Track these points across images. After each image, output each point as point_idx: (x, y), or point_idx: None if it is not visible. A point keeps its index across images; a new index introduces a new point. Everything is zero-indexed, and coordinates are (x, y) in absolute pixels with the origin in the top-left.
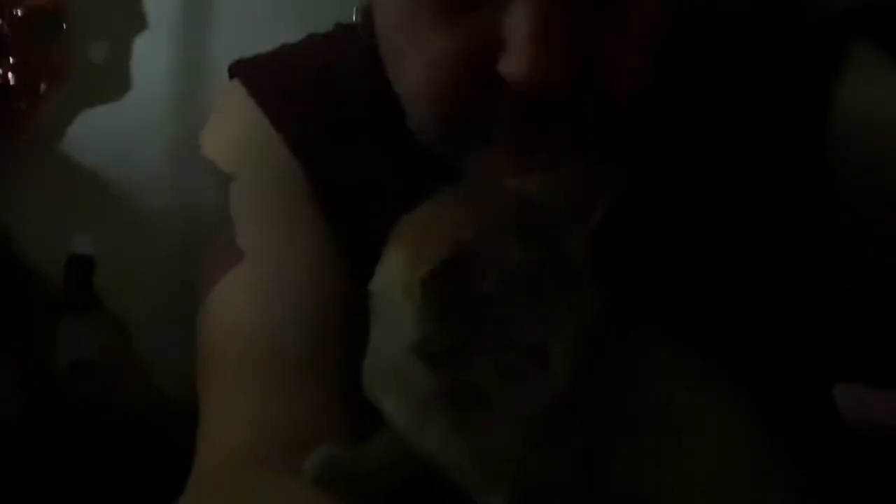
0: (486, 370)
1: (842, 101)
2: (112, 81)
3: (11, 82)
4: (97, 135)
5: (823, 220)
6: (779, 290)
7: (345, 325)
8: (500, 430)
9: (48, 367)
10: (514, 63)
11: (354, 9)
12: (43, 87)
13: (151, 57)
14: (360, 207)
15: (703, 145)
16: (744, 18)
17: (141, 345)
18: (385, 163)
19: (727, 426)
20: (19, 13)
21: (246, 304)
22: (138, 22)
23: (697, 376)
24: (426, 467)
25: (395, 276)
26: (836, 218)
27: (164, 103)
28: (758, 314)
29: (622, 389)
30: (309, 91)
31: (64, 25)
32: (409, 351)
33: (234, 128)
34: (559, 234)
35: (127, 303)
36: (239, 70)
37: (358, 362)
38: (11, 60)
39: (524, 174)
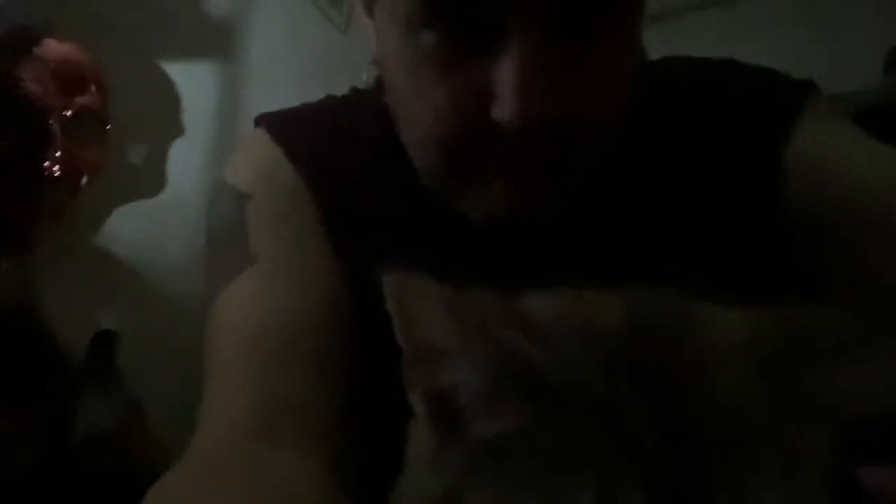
0: None
1: (798, 141)
2: (148, 180)
3: (57, 174)
4: (131, 226)
5: (773, 251)
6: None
7: (333, 326)
8: None
9: (66, 436)
10: (504, 110)
11: (367, 69)
12: (84, 180)
13: (186, 159)
14: (364, 238)
15: (664, 173)
16: (709, 66)
17: (157, 420)
18: (388, 200)
19: None
20: (68, 114)
21: (253, 300)
22: (175, 127)
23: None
24: None
25: None
26: (784, 250)
27: (195, 201)
28: None
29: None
30: (324, 134)
31: (108, 126)
32: None
33: (254, 161)
34: None
35: (148, 380)
36: (263, 119)
37: (350, 354)
38: (58, 154)
39: (518, 205)
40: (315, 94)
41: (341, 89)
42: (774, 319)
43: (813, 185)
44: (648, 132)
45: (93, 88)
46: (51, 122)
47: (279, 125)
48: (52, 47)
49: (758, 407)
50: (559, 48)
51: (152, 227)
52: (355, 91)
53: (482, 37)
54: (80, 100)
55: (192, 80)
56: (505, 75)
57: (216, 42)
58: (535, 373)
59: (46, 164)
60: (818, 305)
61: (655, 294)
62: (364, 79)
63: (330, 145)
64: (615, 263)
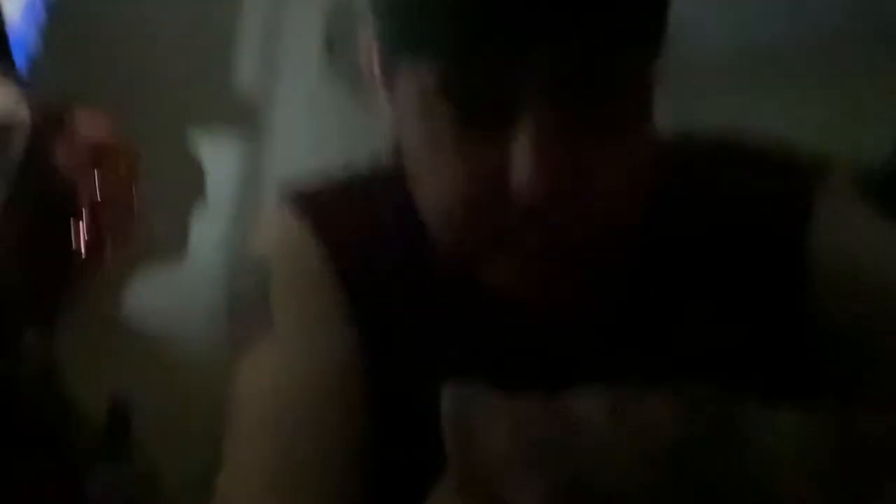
0: None
1: (818, 230)
2: (170, 251)
3: (84, 246)
4: (152, 296)
5: (798, 343)
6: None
7: (354, 398)
8: None
9: None
10: (522, 183)
11: (386, 143)
12: (109, 252)
13: (208, 230)
14: (388, 316)
15: (684, 261)
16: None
17: (172, 493)
18: (407, 273)
19: None
20: (98, 187)
21: (274, 367)
22: (199, 199)
23: None
24: None
25: None
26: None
27: (216, 272)
28: None
29: None
30: (346, 207)
31: (134, 203)
32: None
33: (277, 233)
34: None
35: (164, 450)
36: (287, 192)
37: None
38: (85, 227)
39: (535, 281)
40: (337, 163)
41: (362, 153)
42: (826, 427)
43: (837, 273)
44: (667, 219)
45: (122, 162)
46: (79, 194)
47: (303, 198)
48: (85, 121)
49: None
50: (573, 128)
51: (173, 297)
52: (376, 163)
53: (498, 116)
54: (109, 173)
55: (216, 153)
56: (522, 151)
57: (241, 115)
58: (590, 483)
59: (73, 236)
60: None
61: (702, 397)
62: (384, 150)
63: (353, 219)
64: (633, 356)
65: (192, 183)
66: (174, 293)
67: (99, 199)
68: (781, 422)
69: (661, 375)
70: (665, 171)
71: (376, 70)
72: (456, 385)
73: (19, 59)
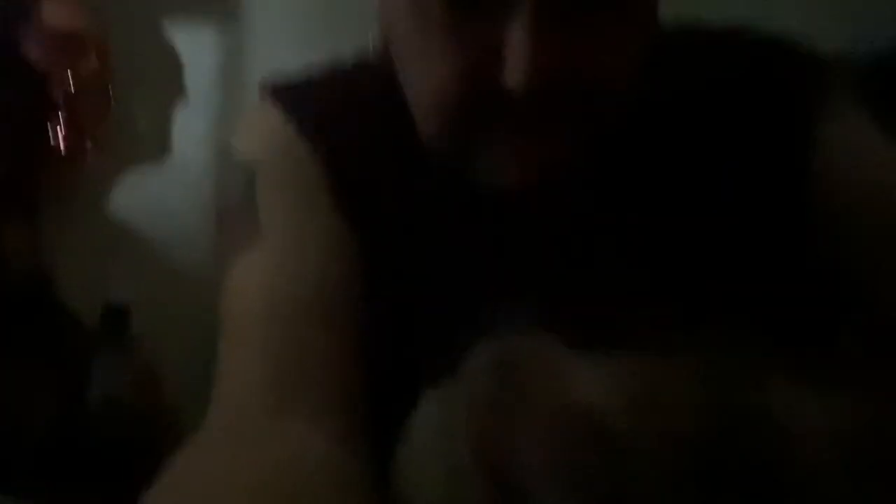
0: None
1: (824, 143)
2: (153, 147)
3: (61, 140)
4: (136, 194)
5: (800, 239)
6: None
7: (348, 293)
8: None
9: (81, 399)
10: (515, 72)
11: (372, 35)
12: (88, 146)
13: (189, 125)
14: (375, 208)
15: (682, 144)
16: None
17: (172, 388)
18: (396, 165)
19: None
20: (70, 78)
21: (264, 271)
22: (179, 92)
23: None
24: None
25: None
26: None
27: (200, 167)
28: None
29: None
30: (332, 104)
31: (110, 93)
32: None
33: (261, 131)
34: None
35: (159, 348)
36: (269, 87)
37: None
38: (61, 120)
39: (527, 169)
40: (319, 54)
41: (346, 47)
42: (856, 413)
43: (842, 174)
44: (665, 103)
45: (94, 53)
46: (53, 87)
47: (286, 94)
48: (53, 12)
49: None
50: (570, 9)
51: (158, 193)
52: (362, 56)
53: (488, 3)
54: (82, 65)
55: (194, 45)
56: (515, 37)
57: (218, 4)
58: (623, 445)
59: (50, 129)
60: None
61: (729, 367)
62: (372, 42)
63: (339, 115)
64: (630, 236)
65: (171, 77)
66: (159, 190)
67: (73, 91)
68: (809, 405)
69: (664, 276)
70: (663, 55)
71: None
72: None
73: None
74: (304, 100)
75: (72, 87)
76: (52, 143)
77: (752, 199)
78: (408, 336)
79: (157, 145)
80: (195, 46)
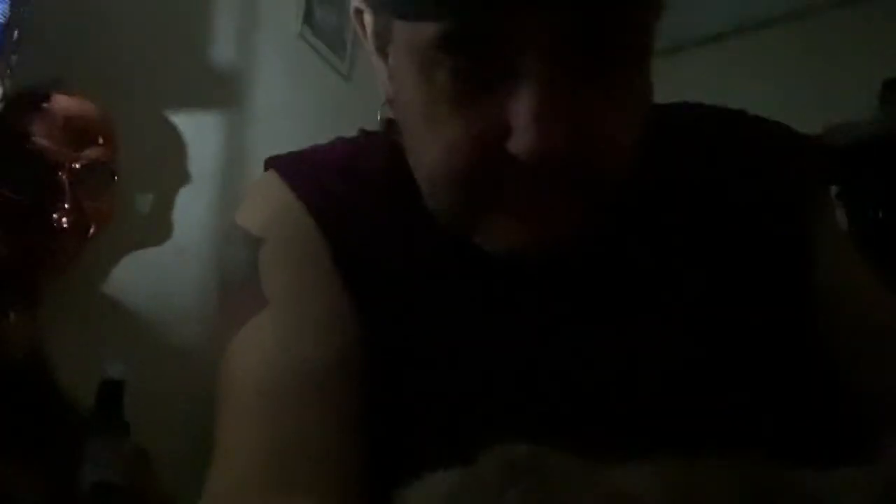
0: None
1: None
2: (155, 228)
3: (65, 225)
4: (137, 275)
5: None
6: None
7: (353, 370)
8: None
9: (73, 487)
10: (521, 142)
11: (379, 110)
12: (92, 230)
13: (192, 207)
14: (375, 276)
15: (681, 216)
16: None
17: (165, 473)
18: (399, 237)
19: None
20: (77, 166)
21: (265, 343)
22: (182, 177)
23: None
24: None
25: None
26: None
27: (201, 249)
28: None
29: None
30: (336, 176)
31: (115, 177)
32: None
33: (265, 204)
34: None
35: (154, 430)
36: (273, 162)
37: (362, 401)
38: (67, 206)
39: (529, 238)
40: (319, 140)
41: (345, 134)
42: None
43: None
44: (664, 176)
45: (101, 141)
46: (60, 174)
47: (290, 168)
48: (62, 102)
49: None
50: (574, 82)
51: (159, 275)
52: (364, 133)
53: (498, 72)
54: (89, 152)
55: (198, 130)
56: (522, 107)
57: (221, 92)
58: None
59: (56, 216)
60: None
61: (760, 469)
62: (379, 118)
63: (342, 187)
64: (630, 303)
65: (174, 160)
66: (161, 271)
67: (80, 177)
68: (845, 482)
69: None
70: (664, 132)
71: (369, 35)
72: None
73: None
74: (309, 174)
75: (77, 168)
76: (55, 227)
77: (756, 284)
78: (410, 415)
79: (159, 228)
80: (198, 133)
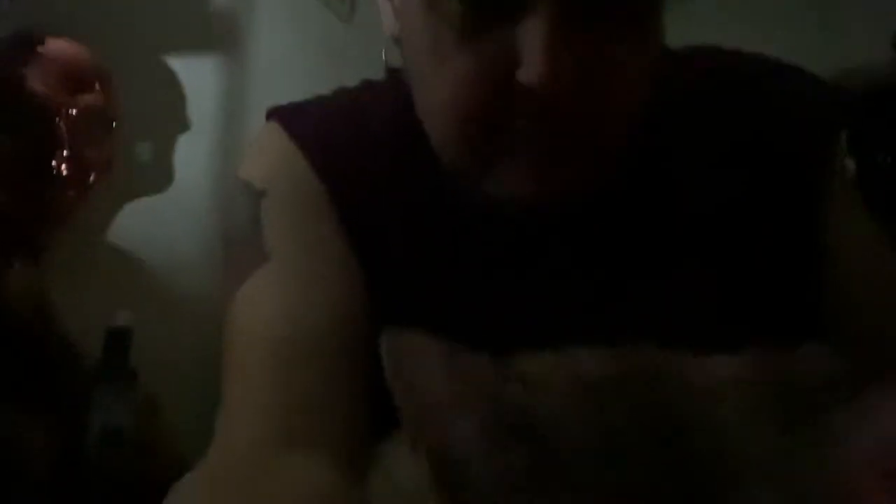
0: None
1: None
2: (156, 175)
3: (65, 173)
4: (139, 223)
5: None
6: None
7: (358, 326)
8: None
9: (81, 435)
10: (531, 70)
11: (383, 50)
12: (92, 178)
13: (192, 153)
14: (380, 230)
15: (691, 169)
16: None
17: (172, 418)
18: (404, 189)
19: None
20: (74, 112)
21: (270, 299)
22: (181, 123)
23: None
24: None
25: None
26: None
27: (203, 195)
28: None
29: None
30: (339, 127)
31: (114, 124)
32: None
33: (267, 156)
34: None
35: (161, 377)
36: (275, 113)
37: (369, 355)
38: (66, 154)
39: (540, 185)
40: (319, 85)
41: (346, 80)
42: (759, 362)
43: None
44: (675, 126)
45: (98, 87)
46: (57, 121)
47: (293, 119)
48: (57, 47)
49: (755, 443)
50: (586, 17)
51: (161, 222)
52: (368, 82)
53: (508, 3)
54: (86, 98)
55: (197, 75)
56: (532, 38)
57: (220, 36)
58: (532, 421)
59: (54, 163)
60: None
61: (641, 348)
62: (383, 60)
63: (345, 138)
64: (631, 261)
65: (173, 107)
66: (163, 220)
67: (77, 124)
68: (714, 361)
69: (655, 283)
70: (676, 82)
71: None
72: (393, 330)
73: None
74: (312, 125)
75: (74, 115)
76: (55, 175)
77: (761, 241)
78: None
79: (160, 176)
80: (197, 78)
